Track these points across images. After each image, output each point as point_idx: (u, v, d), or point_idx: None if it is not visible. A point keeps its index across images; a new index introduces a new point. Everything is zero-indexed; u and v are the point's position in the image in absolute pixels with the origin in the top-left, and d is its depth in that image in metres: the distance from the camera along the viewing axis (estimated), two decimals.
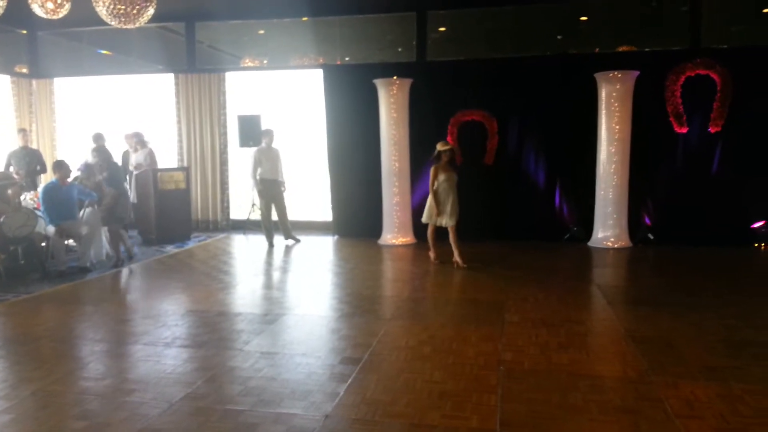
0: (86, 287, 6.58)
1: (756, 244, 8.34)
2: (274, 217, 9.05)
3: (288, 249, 8.70)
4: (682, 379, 3.72)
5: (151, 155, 9.68)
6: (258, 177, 8.83)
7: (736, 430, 3.07)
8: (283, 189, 9.02)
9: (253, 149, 9.04)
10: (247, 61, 11.10)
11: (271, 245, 8.92)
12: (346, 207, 9.68)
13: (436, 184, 7.13)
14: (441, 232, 7.34)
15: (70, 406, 3.48)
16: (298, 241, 9.09)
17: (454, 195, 7.14)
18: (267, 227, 9.00)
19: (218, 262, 7.84)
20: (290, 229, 9.12)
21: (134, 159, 9.71)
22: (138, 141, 9.68)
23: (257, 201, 9.39)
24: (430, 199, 7.23)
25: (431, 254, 7.53)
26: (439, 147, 7.20)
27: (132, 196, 9.46)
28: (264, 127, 9.25)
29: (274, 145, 8.98)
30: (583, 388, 3.61)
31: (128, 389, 3.69)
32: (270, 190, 8.88)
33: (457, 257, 7.17)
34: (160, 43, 11.26)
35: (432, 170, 7.18)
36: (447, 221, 7.13)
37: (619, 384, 3.70)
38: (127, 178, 9.72)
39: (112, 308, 5.66)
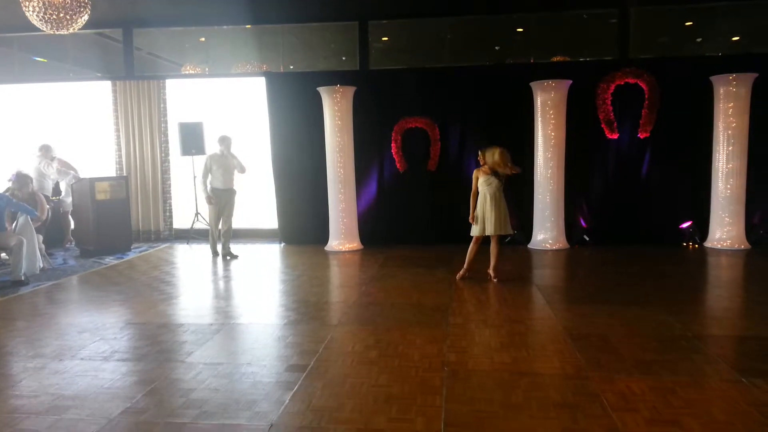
0: (19, 301, 6.30)
1: (684, 244, 8.78)
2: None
3: (232, 258, 8.55)
4: (617, 374, 3.86)
5: (62, 163, 9.37)
6: (209, 185, 8.49)
7: (667, 422, 3.20)
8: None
9: (206, 155, 8.71)
10: (188, 68, 10.91)
11: (215, 254, 8.74)
12: (292, 214, 9.64)
13: (478, 187, 6.62)
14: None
15: None
16: (235, 257, 8.61)
17: (496, 201, 6.51)
18: (214, 236, 8.75)
19: (160, 272, 7.65)
20: (229, 244, 8.73)
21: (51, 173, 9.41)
22: (43, 154, 9.27)
23: (201, 210, 9.20)
24: (488, 211, 6.56)
25: (491, 272, 6.73)
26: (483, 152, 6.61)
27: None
28: (222, 134, 8.75)
29: (232, 151, 8.62)
30: (524, 386, 3.71)
31: (64, 406, 3.55)
32: (220, 199, 8.56)
33: (491, 269, 6.73)
34: (98, 49, 10.92)
35: (473, 175, 6.68)
36: (489, 229, 6.52)
37: (558, 381, 3.81)
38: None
39: (47, 323, 5.43)
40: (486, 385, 3.75)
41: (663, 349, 4.36)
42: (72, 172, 9.53)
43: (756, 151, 8.48)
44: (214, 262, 8.40)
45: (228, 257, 8.59)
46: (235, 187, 8.68)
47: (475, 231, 6.66)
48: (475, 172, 6.67)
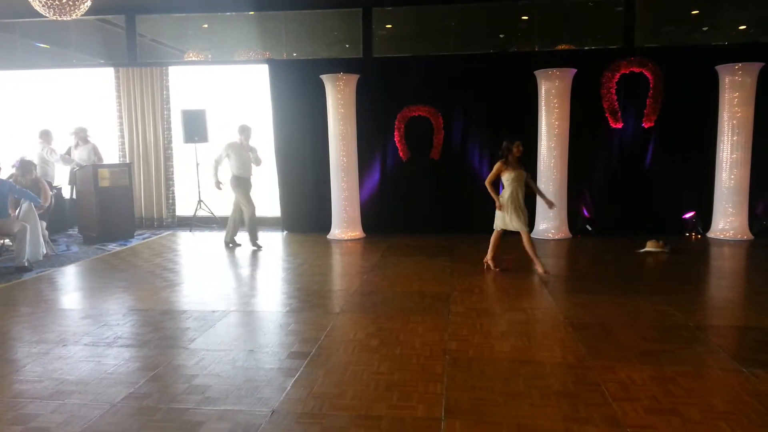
0: (22, 287, 6.33)
1: (687, 234, 8.77)
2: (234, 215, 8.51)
3: (235, 246, 8.54)
4: (618, 363, 3.87)
5: (95, 151, 9.41)
6: (234, 175, 8.21)
7: (667, 410, 3.22)
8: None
9: (226, 143, 8.33)
10: (191, 55, 10.87)
11: (256, 247, 8.32)
12: (294, 202, 9.64)
13: (503, 181, 6.46)
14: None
15: (3, 410, 3.35)
16: (238, 245, 8.48)
17: (523, 194, 6.45)
18: (254, 222, 8.34)
19: (163, 259, 7.67)
20: (235, 233, 8.60)
21: (77, 155, 9.41)
22: (80, 137, 9.38)
23: (204, 197, 9.09)
24: (509, 206, 6.44)
25: (539, 268, 6.47)
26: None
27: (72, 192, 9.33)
28: (243, 123, 8.47)
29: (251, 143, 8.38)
30: (524, 374, 3.73)
31: (67, 391, 3.58)
32: (246, 187, 8.31)
33: (538, 266, 6.46)
34: (100, 36, 10.90)
35: (496, 166, 6.46)
36: (517, 224, 6.42)
37: (558, 369, 3.82)
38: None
39: (50, 308, 5.47)
40: (487, 373, 3.77)
41: (664, 338, 4.37)
42: (94, 158, 9.45)
43: (760, 142, 8.44)
44: (219, 250, 8.38)
45: (231, 245, 8.56)
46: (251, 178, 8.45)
47: (518, 226, 6.42)
48: (499, 164, 6.43)
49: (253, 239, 8.36)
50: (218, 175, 8.30)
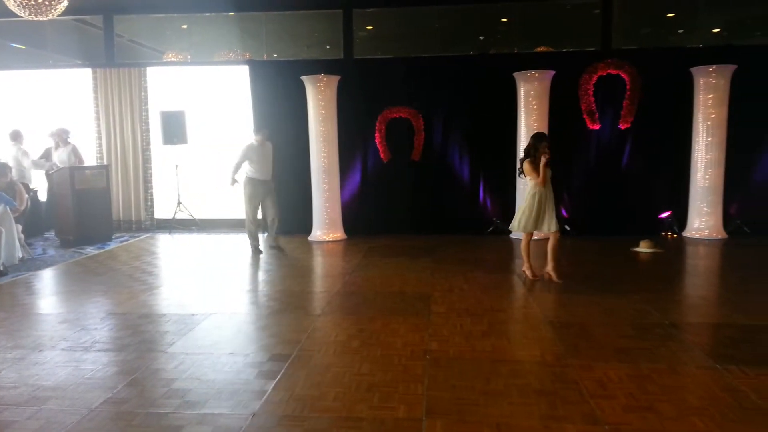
0: None
1: (663, 233, 8.89)
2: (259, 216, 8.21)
3: (280, 251, 8.13)
4: (595, 362, 3.93)
5: (75, 152, 9.30)
6: (247, 176, 7.90)
7: (643, 407, 3.27)
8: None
9: (244, 145, 7.96)
10: (170, 55, 10.78)
11: (257, 251, 8.03)
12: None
13: (528, 181, 6.13)
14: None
15: None
16: (282, 250, 8.04)
17: (551, 194, 6.14)
18: (252, 231, 8.05)
19: (142, 262, 7.60)
20: (273, 233, 8.13)
21: (56, 156, 9.28)
22: (61, 138, 9.26)
23: (183, 199, 9.00)
24: (523, 204, 6.24)
25: (528, 271, 6.32)
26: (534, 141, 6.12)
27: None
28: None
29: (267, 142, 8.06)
30: (504, 374, 3.76)
31: (44, 397, 3.54)
32: (260, 191, 7.96)
33: (550, 269, 6.21)
34: (77, 36, 10.76)
35: (529, 166, 6.06)
36: (551, 225, 6.05)
37: (537, 368, 3.87)
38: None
39: (26, 313, 5.38)
40: (467, 372, 3.80)
41: (640, 336, 4.44)
42: (72, 160, 9.29)
43: (734, 142, 8.59)
44: (198, 252, 8.33)
45: (273, 248, 8.07)
46: (270, 178, 8.10)
47: (534, 228, 6.15)
48: (528, 162, 6.09)
49: (254, 243, 8.11)
50: (235, 176, 7.88)
